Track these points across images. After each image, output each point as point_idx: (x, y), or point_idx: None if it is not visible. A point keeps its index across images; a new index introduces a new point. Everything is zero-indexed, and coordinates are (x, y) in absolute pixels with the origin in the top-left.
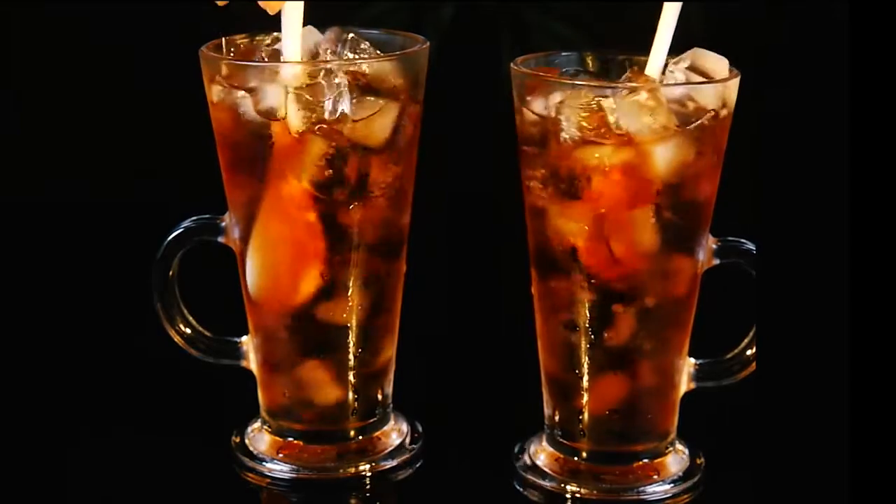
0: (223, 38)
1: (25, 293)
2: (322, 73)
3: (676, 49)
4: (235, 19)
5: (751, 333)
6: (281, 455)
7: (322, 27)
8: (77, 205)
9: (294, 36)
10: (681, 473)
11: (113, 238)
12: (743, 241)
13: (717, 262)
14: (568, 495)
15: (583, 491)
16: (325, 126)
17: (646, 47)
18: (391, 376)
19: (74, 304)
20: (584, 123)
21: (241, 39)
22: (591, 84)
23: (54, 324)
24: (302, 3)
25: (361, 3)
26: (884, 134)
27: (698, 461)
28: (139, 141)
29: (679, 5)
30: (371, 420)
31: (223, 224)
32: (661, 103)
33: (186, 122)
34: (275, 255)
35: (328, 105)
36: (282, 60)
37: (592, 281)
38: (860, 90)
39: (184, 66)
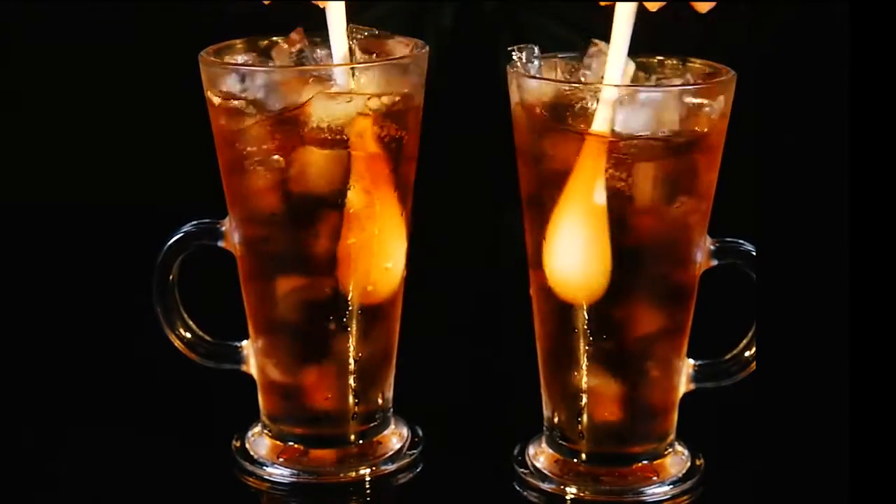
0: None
1: (25, 297)
2: None
3: (673, 51)
4: (236, 22)
5: (749, 334)
6: (281, 459)
7: (322, 29)
8: (77, 209)
9: (340, 34)
10: (680, 475)
11: (113, 242)
12: (741, 241)
13: (714, 263)
14: (567, 497)
15: (583, 493)
16: None
17: (645, 48)
18: (391, 380)
19: (74, 308)
20: (579, 123)
21: (240, 44)
22: (586, 83)
23: (54, 327)
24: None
25: (361, 5)
26: (884, 134)
27: (698, 462)
28: (139, 144)
29: (634, 5)
30: (371, 424)
31: (223, 228)
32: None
33: (186, 124)
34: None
35: None
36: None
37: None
38: (860, 90)
39: (183, 68)
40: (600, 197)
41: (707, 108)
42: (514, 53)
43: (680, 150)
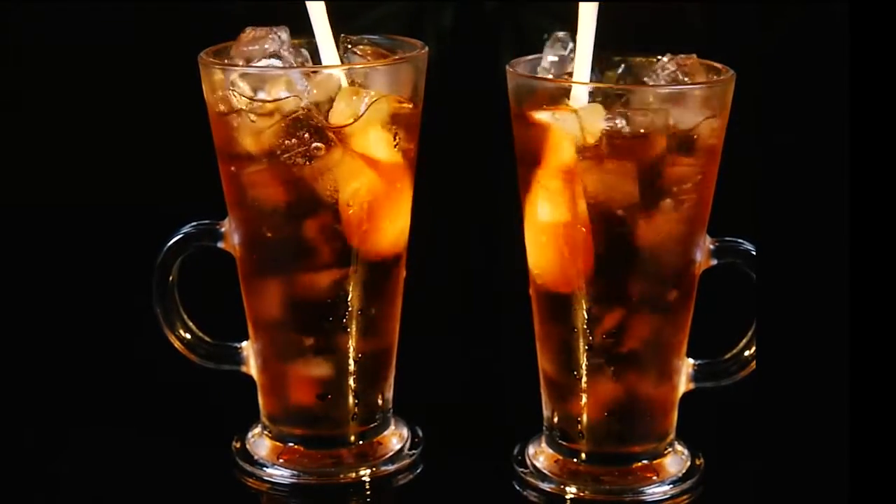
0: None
1: (25, 298)
2: None
3: (675, 50)
4: (236, 22)
5: (749, 333)
6: (281, 460)
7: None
8: (76, 210)
9: (324, 34)
10: (680, 474)
11: (113, 243)
12: (740, 241)
13: (714, 262)
14: (567, 497)
15: (582, 493)
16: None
17: (645, 48)
18: (391, 381)
19: (74, 309)
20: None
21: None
22: (584, 84)
23: (54, 328)
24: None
25: (362, 6)
26: (884, 134)
27: (697, 462)
28: (138, 145)
29: (595, 5)
30: (371, 425)
31: (223, 229)
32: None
33: (186, 125)
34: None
35: None
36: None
37: (590, 284)
38: (860, 90)
39: (183, 68)
40: (543, 213)
41: (707, 107)
42: (545, 38)
43: (679, 150)
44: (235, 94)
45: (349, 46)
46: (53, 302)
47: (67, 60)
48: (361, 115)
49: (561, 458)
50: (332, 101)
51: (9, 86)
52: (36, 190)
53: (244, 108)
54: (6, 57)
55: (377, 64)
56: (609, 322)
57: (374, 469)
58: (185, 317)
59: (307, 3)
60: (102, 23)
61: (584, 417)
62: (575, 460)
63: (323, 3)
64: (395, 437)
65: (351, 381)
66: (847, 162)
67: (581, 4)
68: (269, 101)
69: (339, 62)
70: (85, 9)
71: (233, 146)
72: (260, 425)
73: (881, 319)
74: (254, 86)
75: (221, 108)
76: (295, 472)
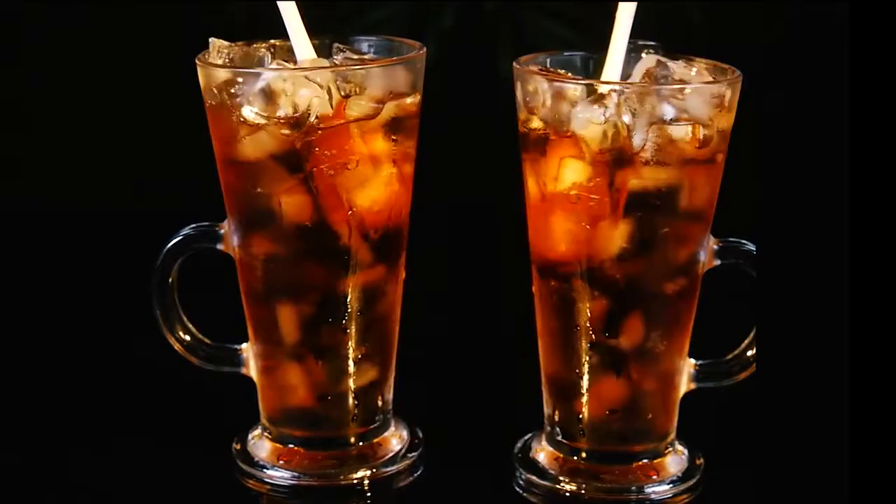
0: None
1: (25, 300)
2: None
3: (676, 50)
4: (236, 21)
5: (751, 335)
6: (281, 462)
7: (323, 32)
8: (76, 212)
9: (300, 33)
10: (680, 474)
11: (112, 245)
12: (743, 241)
13: (717, 262)
14: (567, 495)
15: (582, 490)
16: None
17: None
18: (391, 382)
19: (74, 311)
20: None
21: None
22: (592, 82)
23: (53, 331)
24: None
25: (361, 7)
26: (884, 134)
27: (698, 462)
28: (138, 145)
29: (634, 5)
30: (371, 426)
31: (222, 231)
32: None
33: (186, 125)
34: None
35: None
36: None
37: (593, 281)
38: (860, 90)
39: (183, 68)
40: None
41: (713, 108)
42: (650, 53)
43: (684, 150)
44: (245, 114)
45: (342, 54)
46: (54, 302)
47: (67, 60)
48: (377, 116)
49: (561, 455)
50: (328, 92)
51: (9, 86)
52: (36, 190)
53: (250, 119)
54: (6, 57)
55: (376, 65)
56: (611, 320)
57: (374, 470)
58: (185, 319)
59: (278, 2)
60: (102, 23)
61: (586, 415)
62: (575, 458)
63: (294, 2)
64: (396, 439)
65: (351, 383)
66: (847, 162)
67: (620, 4)
68: (290, 117)
69: (315, 56)
70: (85, 9)
71: (235, 152)
72: (260, 427)
73: (881, 320)
74: (260, 100)
75: (231, 118)
76: (295, 474)
